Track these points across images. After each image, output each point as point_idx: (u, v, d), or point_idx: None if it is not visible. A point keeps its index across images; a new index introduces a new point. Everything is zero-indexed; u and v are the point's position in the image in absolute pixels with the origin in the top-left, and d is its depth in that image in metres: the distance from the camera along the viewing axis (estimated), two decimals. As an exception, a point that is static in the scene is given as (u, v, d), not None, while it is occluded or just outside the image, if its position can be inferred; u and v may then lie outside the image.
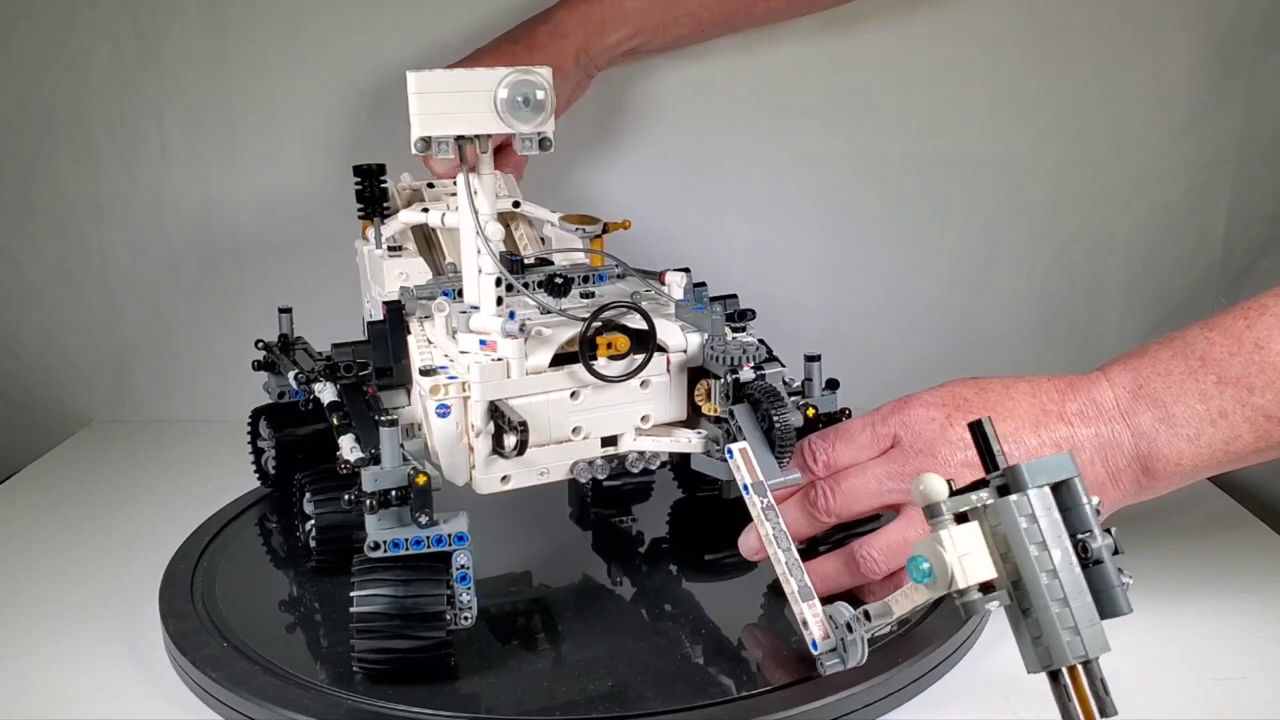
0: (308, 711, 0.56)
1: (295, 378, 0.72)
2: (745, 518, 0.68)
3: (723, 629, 0.64)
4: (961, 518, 0.46)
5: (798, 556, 0.57)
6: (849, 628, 0.54)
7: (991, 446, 0.47)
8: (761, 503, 0.59)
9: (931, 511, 0.46)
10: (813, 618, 0.56)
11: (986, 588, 0.46)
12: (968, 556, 0.45)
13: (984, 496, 0.46)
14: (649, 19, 0.91)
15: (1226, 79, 0.98)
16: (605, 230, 0.76)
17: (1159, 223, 1.02)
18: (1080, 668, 0.45)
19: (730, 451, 0.60)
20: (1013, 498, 0.45)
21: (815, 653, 0.56)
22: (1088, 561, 0.45)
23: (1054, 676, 0.45)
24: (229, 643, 0.62)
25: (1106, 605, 0.46)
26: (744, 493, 0.59)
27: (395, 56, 0.97)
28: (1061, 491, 0.46)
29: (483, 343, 0.60)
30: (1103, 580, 0.46)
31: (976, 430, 0.47)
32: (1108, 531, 0.46)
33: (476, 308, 0.61)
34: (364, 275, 0.79)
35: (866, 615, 0.54)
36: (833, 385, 0.70)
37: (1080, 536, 0.46)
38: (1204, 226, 1.02)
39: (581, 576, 0.71)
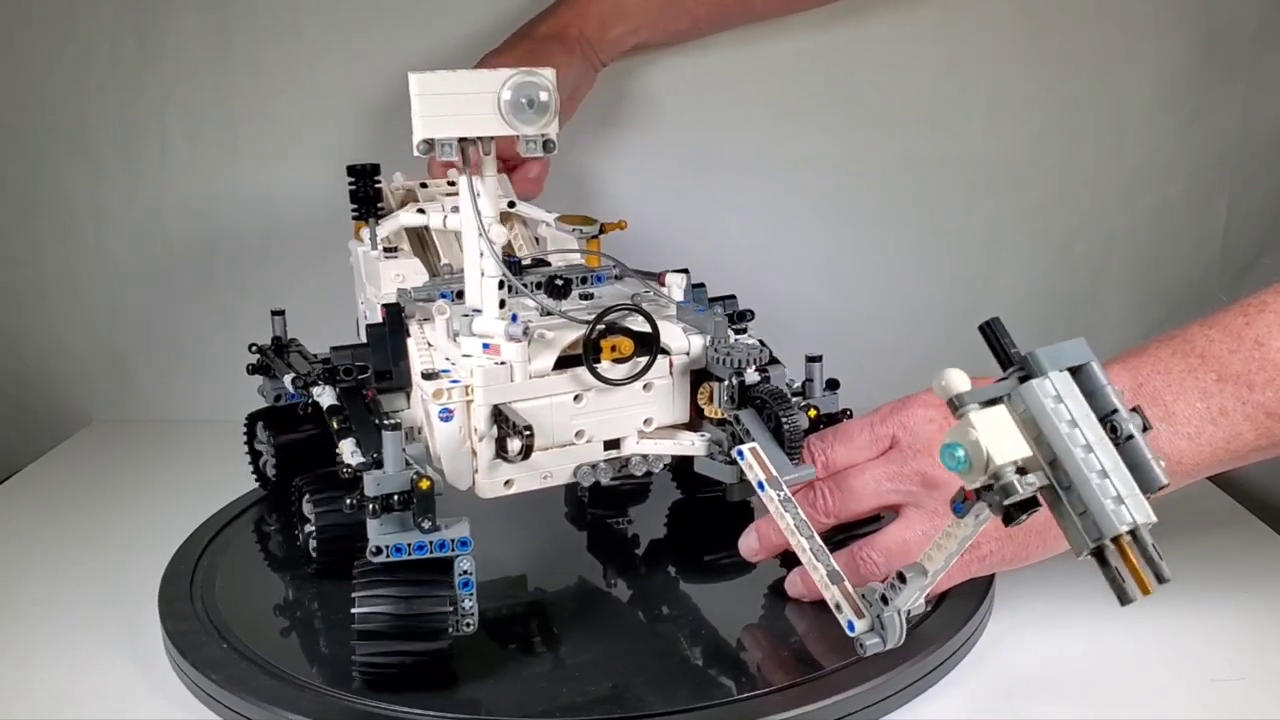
0: (306, 713, 0.55)
1: (292, 381, 0.71)
2: (744, 519, 0.68)
3: (722, 630, 0.64)
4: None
5: (821, 543, 0.57)
6: (884, 599, 0.54)
7: (1003, 342, 0.47)
8: (779, 496, 0.59)
9: (956, 404, 0.45)
10: (845, 600, 0.56)
11: (1022, 472, 0.45)
12: (999, 436, 0.44)
13: (1006, 387, 0.45)
14: (648, 14, 0.92)
15: (1225, 79, 0.98)
16: (602, 231, 0.76)
17: (1158, 222, 1.02)
18: (1128, 539, 0.44)
19: (740, 453, 0.60)
20: (1035, 381, 0.45)
21: (852, 635, 0.55)
22: (1119, 440, 0.45)
23: (1102, 559, 0.45)
24: (228, 643, 0.62)
25: (1144, 480, 0.45)
26: (759, 490, 0.59)
27: (395, 57, 0.97)
28: (1081, 377, 0.46)
29: (485, 346, 0.60)
30: (1137, 455, 0.45)
31: (987, 330, 0.47)
32: (1135, 410, 0.46)
33: (478, 310, 0.61)
34: (358, 276, 0.79)
35: (901, 578, 0.53)
36: (833, 386, 0.70)
37: (1108, 416, 0.45)
38: (1203, 226, 1.02)
39: (578, 579, 0.71)
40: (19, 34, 0.98)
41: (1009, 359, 0.46)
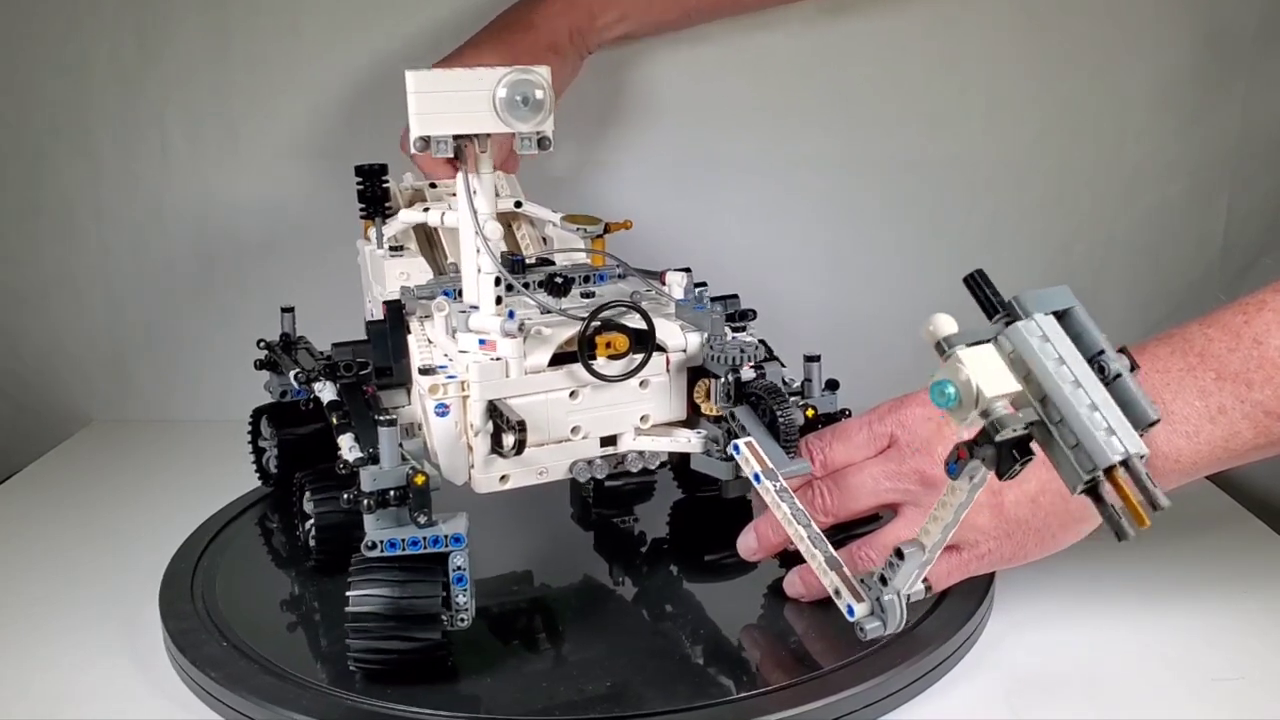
0: (306, 711, 0.55)
1: (295, 377, 0.72)
2: (744, 517, 0.68)
3: (723, 629, 0.64)
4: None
5: (819, 530, 0.57)
6: (883, 580, 0.54)
7: (988, 292, 0.47)
8: (775, 487, 0.59)
9: (944, 345, 0.45)
10: (843, 584, 0.56)
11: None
12: (988, 372, 0.44)
13: (994, 330, 0.45)
14: (637, 3, 0.92)
15: (1225, 79, 0.98)
16: (607, 230, 0.76)
17: (1158, 222, 1.02)
18: (1121, 471, 0.44)
19: (736, 447, 0.60)
20: (1021, 322, 0.45)
21: (852, 619, 0.55)
22: (1108, 379, 0.45)
23: (1097, 497, 0.44)
24: (228, 642, 0.62)
25: (1135, 416, 0.45)
26: (755, 483, 0.59)
27: (395, 56, 0.97)
28: (1066, 320, 0.46)
29: (482, 342, 0.60)
30: (1126, 393, 0.45)
31: (972, 281, 0.47)
32: (1122, 351, 0.46)
33: (476, 307, 0.61)
34: (365, 275, 0.79)
35: (899, 554, 0.53)
36: (832, 386, 0.70)
37: (1096, 357, 0.45)
38: (1203, 226, 1.02)
39: (583, 576, 0.71)
40: (19, 34, 0.98)
41: (995, 307, 0.46)
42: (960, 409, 0.44)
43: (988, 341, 0.45)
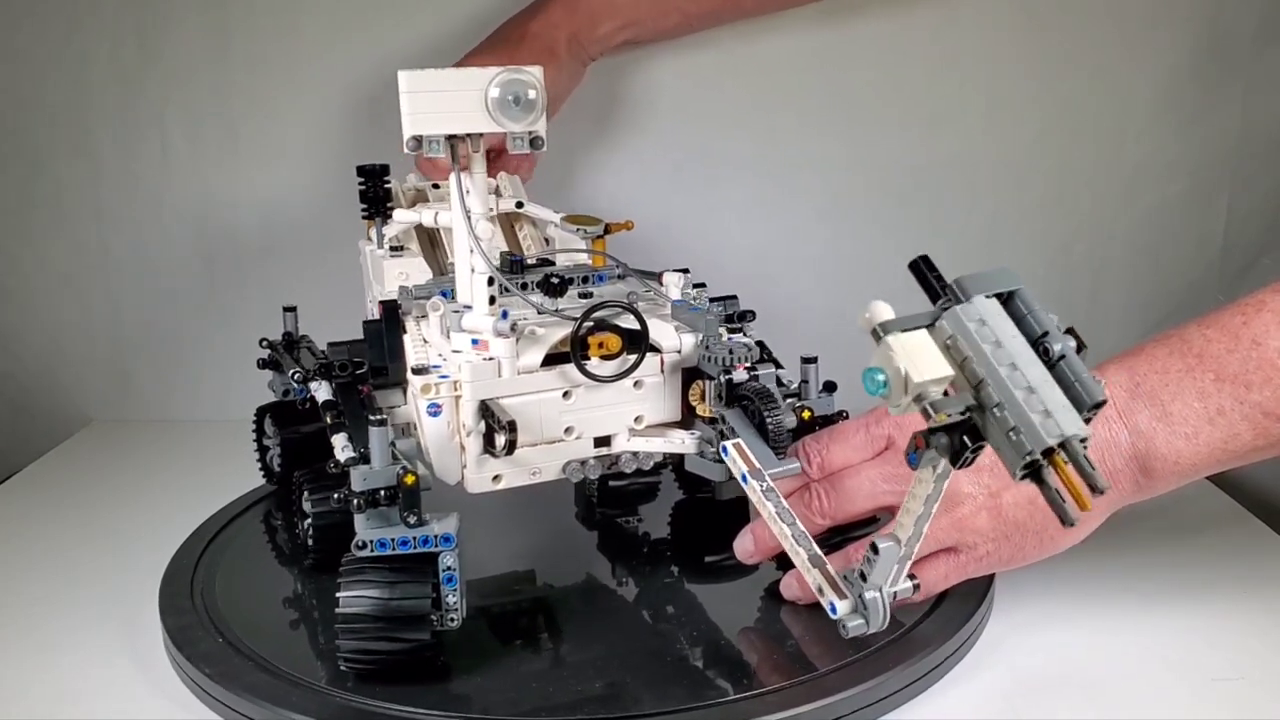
0: (300, 709, 0.56)
1: (293, 376, 0.72)
2: (744, 518, 0.68)
3: (721, 631, 0.64)
4: None
5: (803, 528, 0.57)
6: (862, 576, 0.54)
7: (932, 277, 0.46)
8: (761, 486, 0.59)
9: (879, 332, 0.45)
10: (826, 583, 0.55)
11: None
12: (918, 357, 0.44)
13: (932, 315, 0.45)
14: (638, 10, 0.92)
15: (1224, 78, 0.97)
16: (607, 231, 0.76)
17: (1158, 222, 1.02)
18: (1062, 454, 0.43)
19: (725, 449, 0.60)
20: (959, 306, 0.44)
21: (835, 617, 0.55)
22: (1051, 361, 0.44)
23: (1040, 480, 0.44)
24: (224, 639, 0.62)
25: (1080, 397, 0.44)
26: (743, 483, 0.59)
27: (395, 56, 0.97)
28: (1012, 304, 0.45)
29: (475, 342, 0.60)
30: (1071, 373, 0.44)
31: (917, 267, 0.46)
32: (1069, 331, 0.45)
33: (469, 307, 0.61)
34: (366, 275, 0.80)
35: (874, 549, 0.53)
36: (830, 388, 0.69)
37: (1040, 340, 0.44)
38: (1203, 226, 1.02)
39: (585, 576, 0.71)
40: (20, 34, 0.98)
41: (939, 292, 0.46)
42: (892, 395, 0.44)
43: (921, 327, 0.45)
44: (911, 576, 0.56)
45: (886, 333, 0.44)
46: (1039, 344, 0.44)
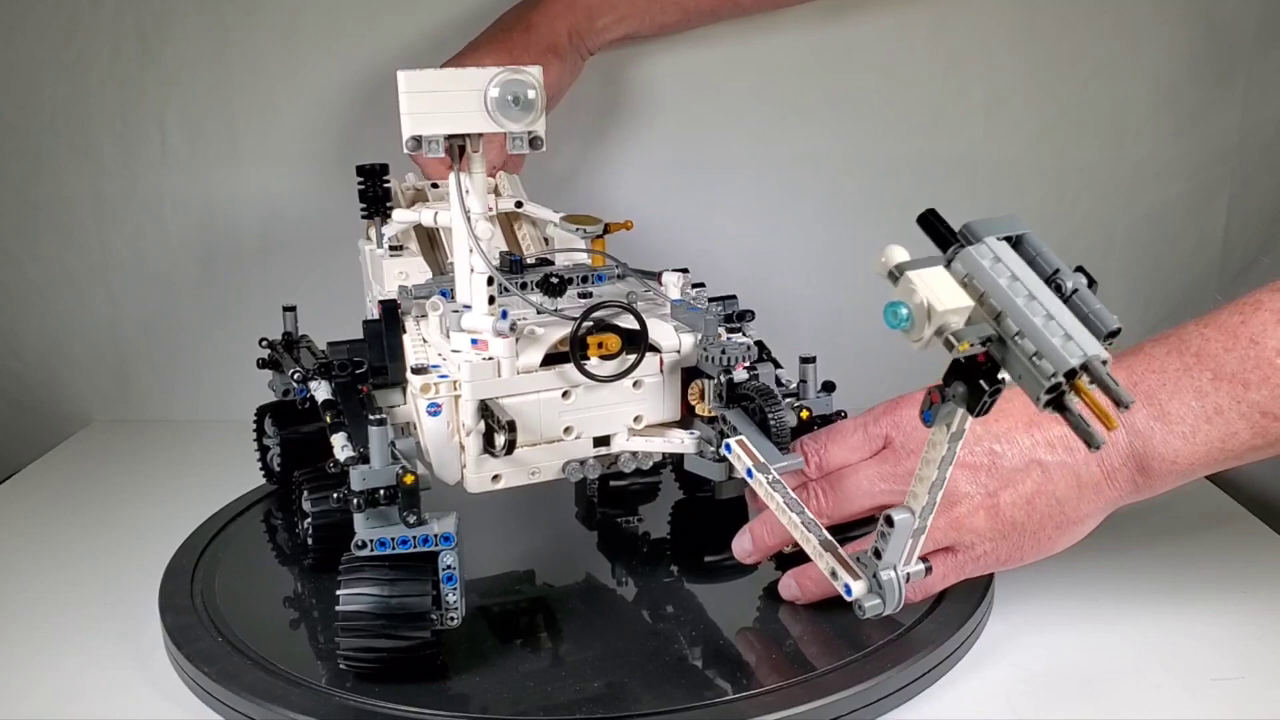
0: (300, 708, 0.56)
1: (293, 375, 0.72)
2: (743, 518, 0.68)
3: (720, 630, 0.64)
4: None
5: (811, 515, 0.57)
6: (876, 554, 0.53)
7: (941, 228, 0.46)
8: (767, 479, 0.59)
9: (896, 272, 0.45)
10: (839, 565, 0.55)
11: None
12: (940, 289, 0.44)
13: (947, 256, 0.45)
14: (636, 5, 0.92)
15: (1224, 78, 0.97)
16: (606, 230, 0.76)
17: (1158, 222, 1.02)
18: (1084, 379, 0.43)
19: (728, 446, 0.60)
20: (973, 246, 0.45)
21: (850, 598, 0.55)
22: (1065, 296, 0.45)
23: (1063, 407, 0.44)
24: (223, 637, 0.62)
25: (1097, 326, 0.44)
26: (748, 478, 0.59)
27: (395, 56, 0.97)
28: (1021, 246, 0.46)
29: (474, 341, 0.60)
30: (1085, 305, 0.45)
31: (926, 220, 0.47)
32: (1079, 270, 0.45)
33: (469, 307, 0.61)
34: (366, 274, 0.80)
35: (889, 522, 0.53)
36: (828, 387, 0.70)
37: (1052, 277, 0.45)
38: (1203, 226, 1.02)
39: (585, 576, 0.71)
40: (20, 34, 0.98)
41: (950, 239, 0.46)
42: (914, 329, 0.44)
43: (935, 265, 0.45)
44: (923, 559, 0.55)
45: (903, 272, 0.44)
46: (1051, 280, 0.45)
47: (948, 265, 0.45)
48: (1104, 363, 0.43)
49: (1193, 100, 0.98)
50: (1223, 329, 0.60)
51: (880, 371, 0.87)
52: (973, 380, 0.46)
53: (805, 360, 0.69)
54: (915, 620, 0.62)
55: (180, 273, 1.04)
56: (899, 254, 0.45)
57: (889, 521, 0.53)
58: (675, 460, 0.68)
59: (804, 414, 0.65)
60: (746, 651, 0.62)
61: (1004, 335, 0.44)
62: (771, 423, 0.60)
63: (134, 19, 0.98)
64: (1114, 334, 0.45)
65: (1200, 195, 1.01)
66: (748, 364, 0.62)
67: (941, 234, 0.46)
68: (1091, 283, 0.45)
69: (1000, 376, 0.45)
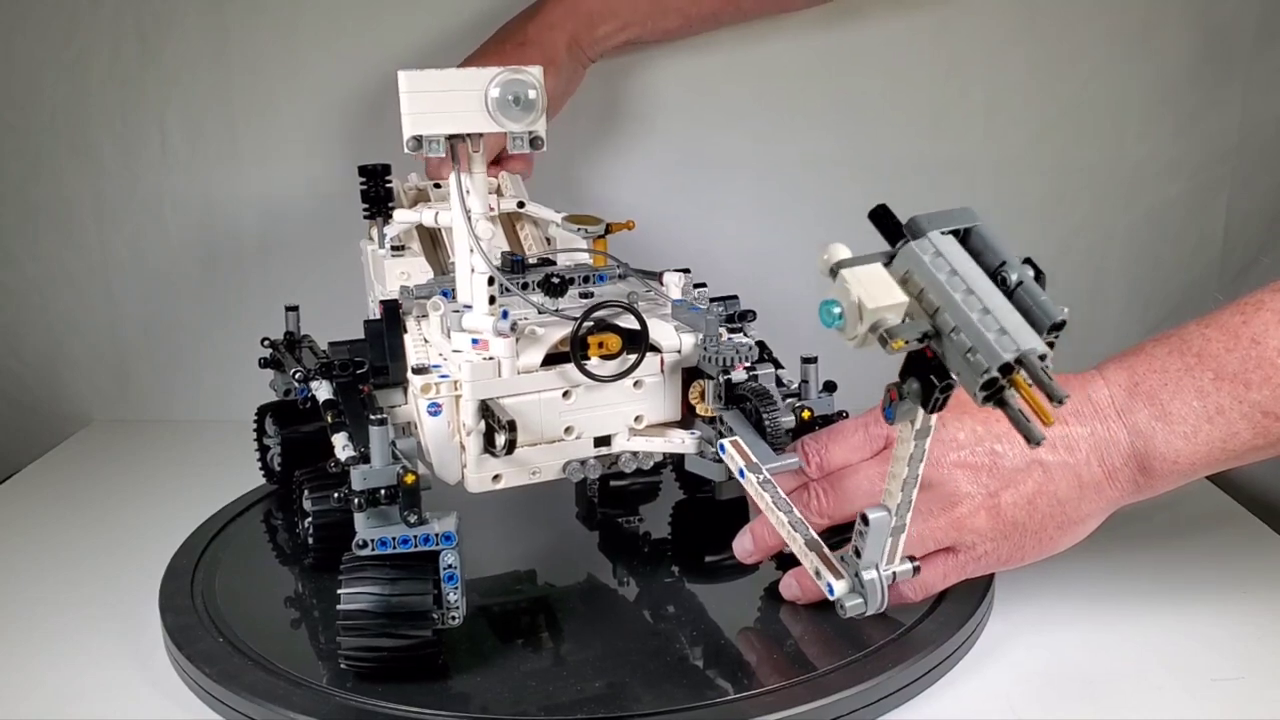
0: (300, 708, 0.55)
1: (294, 375, 0.72)
2: (743, 519, 0.68)
3: (721, 630, 0.64)
4: None
5: (800, 516, 0.57)
6: (857, 553, 0.53)
7: (888, 223, 0.46)
8: (758, 479, 0.59)
9: (835, 270, 0.45)
10: (822, 564, 0.55)
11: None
12: (873, 287, 0.44)
13: (888, 253, 0.45)
14: (637, 12, 0.92)
15: (1224, 78, 0.97)
16: (608, 231, 0.76)
17: (1158, 222, 1.02)
18: (1022, 375, 0.43)
19: (722, 447, 0.60)
20: (914, 241, 0.45)
21: (832, 598, 0.55)
22: (1009, 289, 0.44)
23: (1002, 403, 0.44)
24: (224, 638, 0.62)
25: (1039, 319, 0.44)
26: (740, 477, 0.59)
27: (395, 56, 0.97)
28: (970, 240, 0.45)
29: (475, 341, 0.60)
30: (1030, 298, 0.44)
31: (875, 216, 0.46)
32: (1027, 261, 0.45)
33: (469, 307, 0.61)
34: (367, 274, 0.80)
35: (865, 520, 0.52)
36: (830, 388, 0.70)
37: (998, 270, 0.44)
38: (1203, 226, 1.02)
39: (586, 576, 0.71)
40: (19, 34, 0.98)
41: (895, 234, 0.46)
42: (848, 327, 0.44)
43: (876, 263, 0.45)
44: (911, 558, 0.55)
45: (842, 268, 0.44)
46: (996, 274, 0.45)
47: (888, 263, 0.45)
48: (1042, 357, 0.43)
49: (1192, 100, 0.98)
50: (1224, 329, 0.60)
51: (881, 372, 0.87)
52: (924, 376, 0.46)
53: (807, 360, 0.69)
54: (916, 620, 0.62)
55: (180, 273, 1.04)
56: (841, 251, 0.45)
57: (865, 520, 0.53)
58: (676, 460, 0.68)
59: (805, 414, 0.65)
60: (747, 651, 0.62)
61: (941, 331, 0.44)
62: (766, 424, 0.60)
63: (134, 19, 0.98)
64: (1059, 326, 0.44)
65: (1200, 195, 1.01)
66: (747, 364, 0.62)
67: (890, 229, 0.46)
68: (1039, 275, 0.45)
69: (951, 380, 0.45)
